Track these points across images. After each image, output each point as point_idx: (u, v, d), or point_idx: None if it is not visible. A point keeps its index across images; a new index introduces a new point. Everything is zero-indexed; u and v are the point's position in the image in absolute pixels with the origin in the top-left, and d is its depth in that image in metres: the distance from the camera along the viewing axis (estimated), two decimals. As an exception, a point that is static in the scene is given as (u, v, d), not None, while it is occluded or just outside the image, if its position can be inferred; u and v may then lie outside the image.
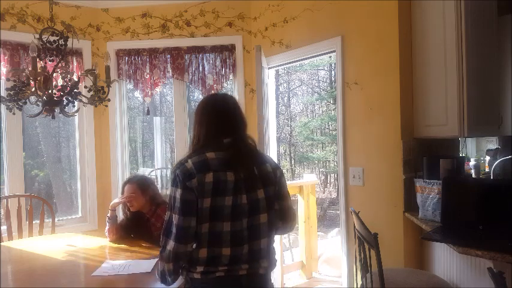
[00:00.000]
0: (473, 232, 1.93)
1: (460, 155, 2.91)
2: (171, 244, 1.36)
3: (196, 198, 1.35)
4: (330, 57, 3.92)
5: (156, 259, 2.06)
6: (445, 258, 2.26)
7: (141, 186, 2.56)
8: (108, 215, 2.52)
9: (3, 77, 3.09)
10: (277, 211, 1.52)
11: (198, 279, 1.38)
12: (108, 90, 2.35)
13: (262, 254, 1.45)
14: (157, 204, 2.60)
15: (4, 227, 2.89)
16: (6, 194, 3.14)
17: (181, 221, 1.34)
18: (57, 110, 2.17)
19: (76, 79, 2.53)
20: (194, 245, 1.39)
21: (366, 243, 1.90)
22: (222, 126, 1.48)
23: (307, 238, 3.78)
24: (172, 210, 1.37)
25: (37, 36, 2.15)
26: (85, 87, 2.33)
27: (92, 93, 2.31)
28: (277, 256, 1.73)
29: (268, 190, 1.47)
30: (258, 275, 1.45)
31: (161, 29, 3.58)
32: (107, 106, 3.21)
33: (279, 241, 3.26)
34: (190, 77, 3.59)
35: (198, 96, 5.50)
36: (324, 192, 10.61)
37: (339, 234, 3.21)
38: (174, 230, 1.35)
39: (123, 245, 2.44)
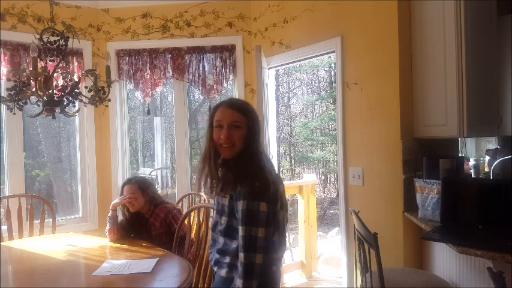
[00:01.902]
0: (473, 232, 1.94)
1: (460, 155, 2.91)
2: (259, 257, 1.31)
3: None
4: (330, 57, 3.92)
5: (157, 259, 2.08)
6: (444, 258, 2.26)
7: (141, 186, 2.57)
8: (109, 215, 2.53)
9: (3, 77, 3.10)
10: None
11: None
12: (109, 90, 2.35)
13: None
14: (155, 204, 2.61)
15: (5, 227, 2.89)
16: (7, 194, 3.14)
17: (271, 234, 1.34)
18: (57, 110, 2.18)
19: (76, 79, 2.54)
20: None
21: (365, 243, 1.90)
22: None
23: (307, 238, 3.78)
24: (261, 225, 1.32)
25: (37, 36, 2.15)
26: (85, 87, 2.34)
27: (92, 93, 2.31)
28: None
29: None
30: None
31: (161, 29, 3.59)
32: (107, 106, 3.22)
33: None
34: (191, 77, 3.59)
35: (198, 96, 5.50)
36: (323, 192, 10.61)
37: (339, 234, 3.22)
38: (264, 244, 1.32)
39: (123, 245, 2.45)
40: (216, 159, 1.48)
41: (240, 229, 1.33)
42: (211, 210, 2.37)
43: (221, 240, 1.45)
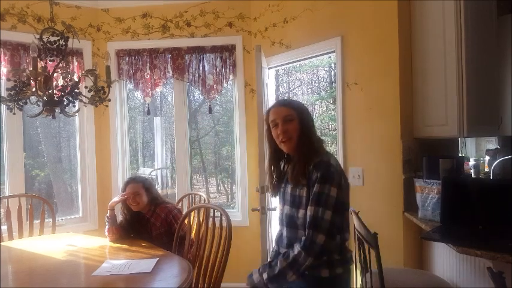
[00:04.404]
0: (473, 232, 1.94)
1: (460, 155, 2.91)
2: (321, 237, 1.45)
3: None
4: (330, 57, 3.92)
5: (157, 259, 2.08)
6: (444, 258, 2.26)
7: (145, 185, 2.58)
8: (107, 214, 2.53)
9: (3, 77, 3.10)
10: None
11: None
12: (109, 90, 2.35)
13: None
14: (156, 204, 2.61)
15: (4, 227, 2.89)
16: (7, 194, 3.14)
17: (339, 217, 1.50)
18: (57, 110, 2.17)
19: (76, 79, 2.53)
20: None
21: (365, 243, 1.89)
22: None
23: (307, 238, 3.78)
24: (328, 207, 1.46)
25: (37, 36, 2.14)
26: (85, 87, 2.33)
27: (92, 93, 2.31)
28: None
29: None
30: None
31: (161, 29, 3.59)
32: (107, 106, 3.21)
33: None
34: (191, 77, 3.59)
35: (198, 96, 5.49)
36: (324, 192, 10.56)
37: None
38: (327, 225, 1.45)
39: (123, 245, 2.45)
40: (279, 157, 1.69)
41: (311, 209, 1.47)
42: (211, 210, 2.37)
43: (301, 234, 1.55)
